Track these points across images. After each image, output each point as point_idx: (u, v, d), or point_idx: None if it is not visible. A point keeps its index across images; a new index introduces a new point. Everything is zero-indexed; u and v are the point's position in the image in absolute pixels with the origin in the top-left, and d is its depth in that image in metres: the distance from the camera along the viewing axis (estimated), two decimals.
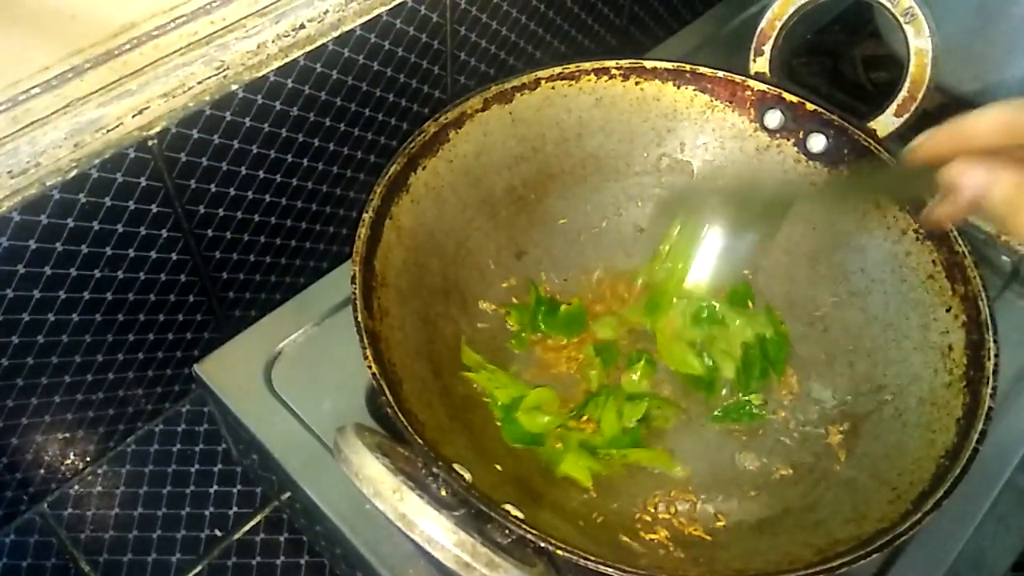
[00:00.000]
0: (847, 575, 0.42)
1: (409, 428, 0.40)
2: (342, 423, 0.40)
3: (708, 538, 0.47)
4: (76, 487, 0.63)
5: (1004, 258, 0.65)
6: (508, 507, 0.39)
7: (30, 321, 0.52)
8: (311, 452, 0.52)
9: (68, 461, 0.63)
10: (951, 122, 0.36)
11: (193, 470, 0.64)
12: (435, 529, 0.34)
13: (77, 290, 0.53)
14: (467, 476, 0.39)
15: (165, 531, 0.61)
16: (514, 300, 0.58)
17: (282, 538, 0.61)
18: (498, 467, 0.47)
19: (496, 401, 0.52)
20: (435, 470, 0.39)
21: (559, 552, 0.37)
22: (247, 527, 0.62)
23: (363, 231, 0.47)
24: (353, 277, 0.45)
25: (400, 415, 0.40)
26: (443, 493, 0.38)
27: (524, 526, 0.37)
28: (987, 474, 0.54)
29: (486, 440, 0.50)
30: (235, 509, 0.63)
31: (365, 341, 0.43)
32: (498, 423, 0.52)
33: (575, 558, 0.37)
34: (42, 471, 0.61)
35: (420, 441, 0.39)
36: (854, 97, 0.75)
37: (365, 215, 0.47)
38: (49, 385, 0.56)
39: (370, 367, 0.42)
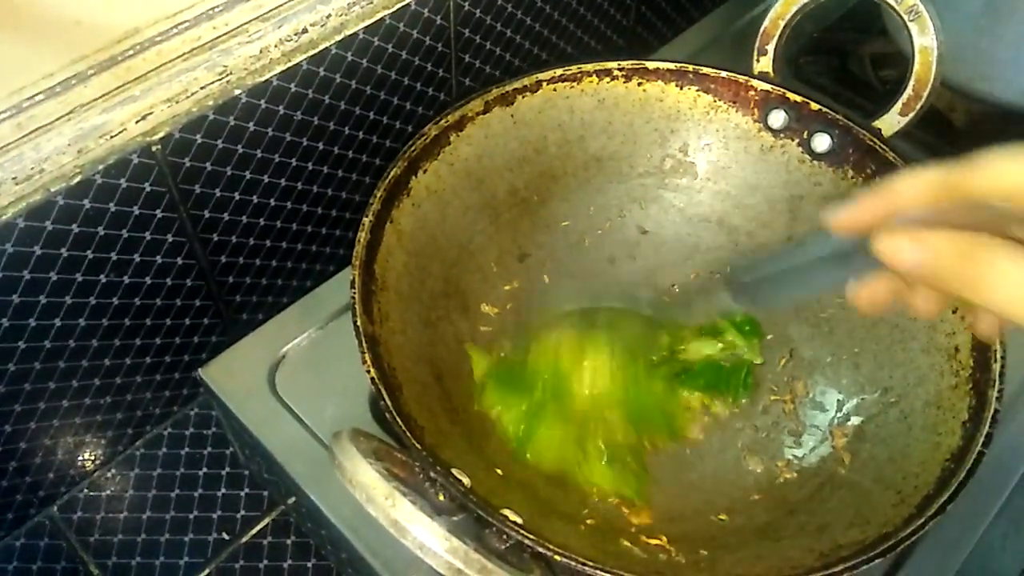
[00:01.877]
0: None
1: (407, 433, 0.40)
2: (345, 427, 0.40)
3: (710, 542, 0.47)
4: (85, 491, 0.64)
5: None
6: (506, 512, 0.39)
7: (36, 327, 0.52)
8: (314, 456, 0.53)
9: (77, 465, 0.63)
10: (878, 188, 0.32)
11: (201, 473, 0.65)
12: (427, 536, 0.34)
13: (83, 295, 0.53)
14: (465, 481, 0.39)
15: (173, 534, 0.62)
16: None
17: (289, 541, 0.62)
18: (499, 471, 0.47)
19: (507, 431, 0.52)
20: (433, 475, 0.39)
21: (557, 557, 0.37)
22: (254, 530, 0.62)
23: (363, 235, 0.47)
24: (353, 281, 0.45)
25: (399, 419, 0.40)
26: (441, 498, 0.38)
27: (521, 531, 0.37)
28: (996, 478, 0.53)
29: (487, 444, 0.50)
30: (243, 512, 0.63)
31: (364, 345, 0.43)
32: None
33: (573, 563, 0.37)
34: (51, 475, 0.62)
35: (418, 446, 0.39)
36: (862, 96, 0.75)
37: (365, 219, 0.47)
38: (57, 390, 0.57)
39: (369, 371, 0.42)
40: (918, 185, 0.30)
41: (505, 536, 0.38)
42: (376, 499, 0.34)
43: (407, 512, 0.34)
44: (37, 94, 0.48)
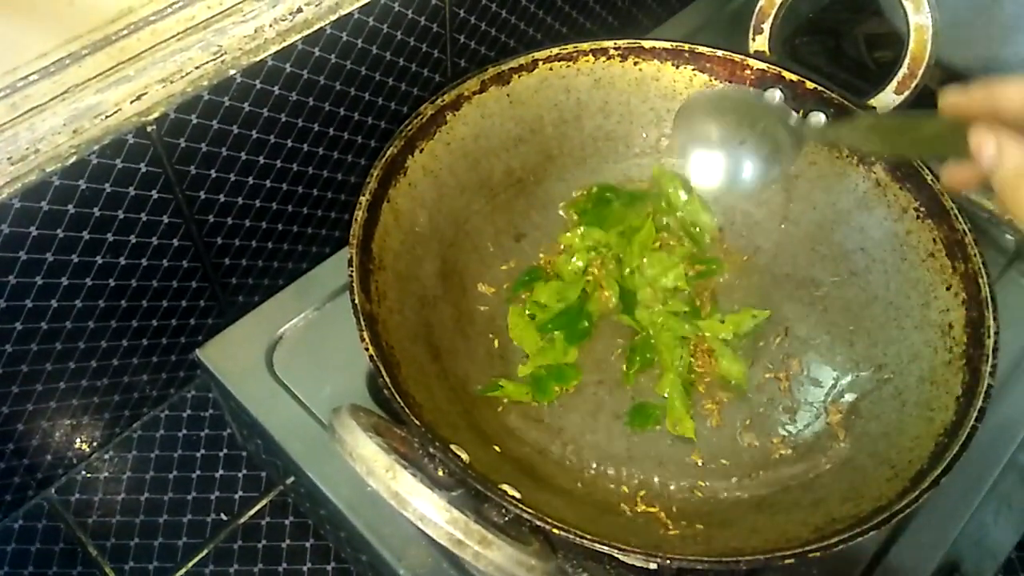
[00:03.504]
0: (847, 553, 0.42)
1: (406, 409, 0.40)
2: (344, 404, 0.40)
3: (706, 517, 0.47)
4: (83, 473, 0.64)
5: (1008, 237, 0.65)
6: (505, 487, 0.39)
7: (33, 308, 0.52)
8: (313, 436, 0.53)
9: (74, 447, 0.63)
10: (986, 83, 0.36)
11: (199, 455, 0.65)
12: (427, 507, 0.34)
13: (80, 276, 0.53)
14: (464, 456, 0.40)
15: (171, 515, 0.62)
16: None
17: (287, 521, 0.62)
18: (496, 448, 0.48)
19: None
20: (432, 450, 0.39)
21: (555, 531, 0.37)
22: (252, 511, 0.62)
23: (360, 214, 0.47)
24: (350, 260, 0.45)
25: (397, 396, 0.41)
26: (440, 473, 0.39)
27: (520, 505, 0.38)
28: (989, 454, 0.54)
29: (484, 422, 0.50)
30: (240, 493, 0.63)
31: (363, 323, 0.43)
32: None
33: (571, 537, 0.37)
34: (49, 457, 0.62)
35: (417, 422, 0.40)
36: (856, 76, 0.75)
37: (362, 198, 0.47)
38: (54, 371, 0.57)
39: (367, 349, 0.42)
40: (1017, 93, 0.34)
41: (504, 510, 0.38)
42: (377, 472, 0.34)
43: (408, 484, 0.34)
44: (31, 74, 0.47)
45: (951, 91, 0.37)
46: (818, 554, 0.39)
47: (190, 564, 0.60)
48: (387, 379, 0.41)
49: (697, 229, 0.59)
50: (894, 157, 0.53)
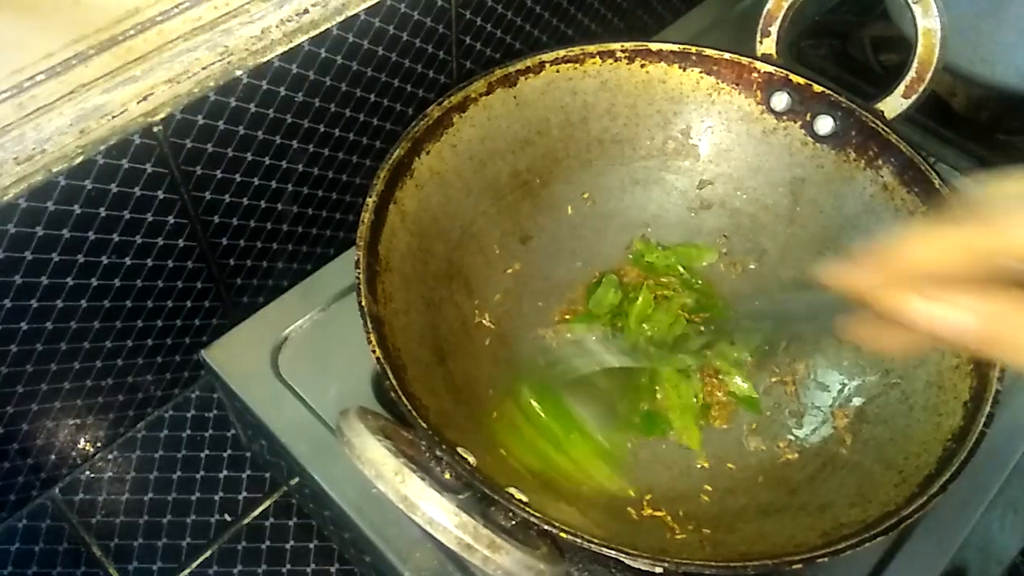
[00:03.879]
0: (853, 559, 0.42)
1: (413, 411, 0.40)
2: (352, 405, 0.40)
3: (713, 521, 0.47)
4: (87, 473, 0.64)
5: None
6: (512, 490, 0.39)
7: (38, 307, 0.52)
8: (318, 437, 0.53)
9: (79, 447, 0.63)
10: (879, 249, 0.30)
11: (203, 455, 0.65)
12: (436, 511, 0.34)
13: (85, 276, 0.53)
14: (471, 459, 0.39)
15: (175, 516, 0.62)
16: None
17: (291, 523, 0.62)
18: (502, 452, 0.47)
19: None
20: (439, 453, 0.39)
21: (563, 535, 0.37)
22: (257, 512, 0.62)
23: (367, 216, 0.47)
24: (357, 262, 0.45)
25: (404, 399, 0.40)
26: (447, 476, 0.39)
27: (528, 509, 0.37)
28: (994, 460, 0.54)
29: (490, 426, 0.50)
30: (245, 494, 0.63)
31: (369, 325, 0.43)
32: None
33: (579, 541, 0.37)
34: (53, 457, 0.62)
35: (424, 424, 0.39)
36: (863, 80, 0.75)
37: (369, 199, 0.47)
38: (59, 371, 0.57)
39: (374, 351, 0.42)
40: (931, 248, 0.28)
41: (511, 514, 0.38)
42: (385, 475, 0.34)
43: (417, 487, 0.34)
44: (38, 74, 0.47)
45: (829, 267, 0.31)
46: (826, 560, 0.39)
47: (194, 564, 0.60)
48: (394, 381, 0.41)
49: (690, 276, 0.60)
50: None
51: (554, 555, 0.37)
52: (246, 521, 0.62)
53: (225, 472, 0.64)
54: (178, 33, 0.51)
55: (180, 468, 0.64)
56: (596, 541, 0.37)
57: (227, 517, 0.62)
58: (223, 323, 0.65)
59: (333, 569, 0.60)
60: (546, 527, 0.37)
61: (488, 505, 0.38)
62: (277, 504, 0.63)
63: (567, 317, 0.58)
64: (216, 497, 0.63)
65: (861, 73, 0.77)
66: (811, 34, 0.81)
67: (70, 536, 0.61)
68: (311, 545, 0.61)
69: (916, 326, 0.28)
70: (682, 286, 0.59)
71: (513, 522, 0.38)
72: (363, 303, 0.43)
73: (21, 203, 0.47)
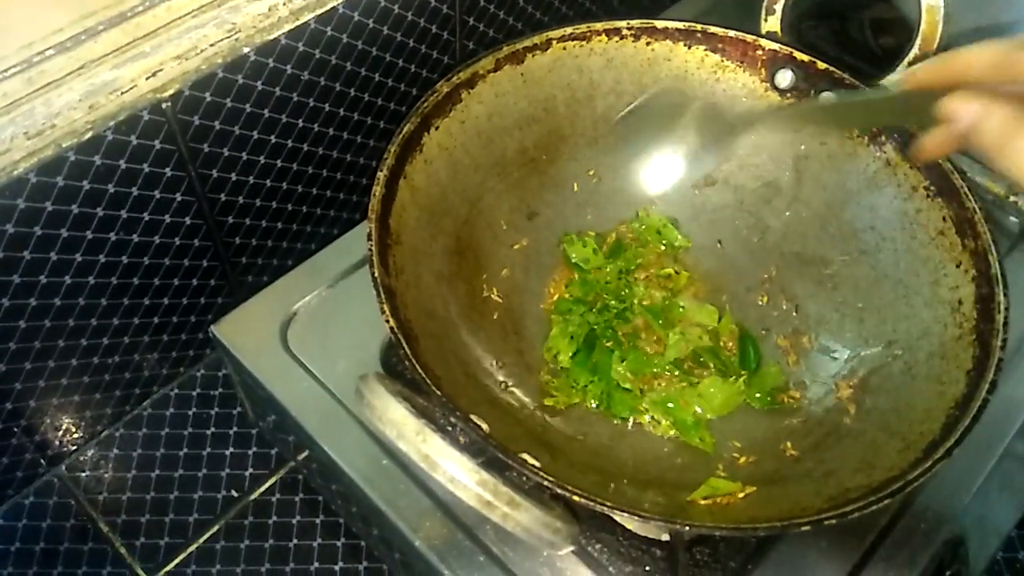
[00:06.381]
0: (855, 526, 0.42)
1: (427, 380, 0.40)
2: (368, 373, 0.41)
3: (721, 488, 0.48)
4: (93, 450, 0.64)
5: (1012, 219, 0.65)
6: (524, 455, 0.40)
7: (47, 284, 0.52)
8: (327, 410, 0.53)
9: (85, 424, 0.63)
10: (947, 54, 0.38)
11: (209, 433, 0.65)
12: (457, 469, 0.34)
13: (93, 253, 0.53)
14: (484, 426, 0.40)
15: (182, 492, 0.62)
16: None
17: (297, 498, 0.62)
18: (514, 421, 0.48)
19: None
20: (453, 420, 0.39)
21: (575, 498, 0.38)
22: (263, 488, 0.63)
23: (378, 189, 0.47)
24: (369, 234, 0.45)
25: (418, 368, 0.41)
26: (461, 442, 0.39)
27: (540, 472, 0.38)
28: (992, 431, 0.54)
29: (500, 397, 0.50)
30: (251, 470, 0.64)
31: (382, 295, 0.43)
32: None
33: (591, 504, 0.38)
34: (60, 434, 0.62)
35: (438, 392, 0.40)
36: (861, 61, 0.75)
37: (380, 173, 0.48)
38: (65, 348, 0.57)
39: (388, 321, 0.42)
40: (982, 58, 0.36)
41: (524, 479, 0.39)
42: (407, 435, 0.35)
43: (438, 446, 0.34)
44: (47, 49, 0.48)
45: (912, 68, 0.40)
46: (834, 522, 0.39)
47: (201, 540, 0.60)
48: (408, 351, 0.41)
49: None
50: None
51: (568, 516, 0.38)
52: (252, 497, 0.62)
53: (231, 449, 0.64)
54: (187, 9, 0.51)
55: (186, 445, 0.64)
56: (610, 503, 0.38)
57: (234, 493, 0.62)
58: (227, 302, 0.65)
59: (339, 543, 0.60)
60: (559, 490, 0.38)
61: (501, 471, 0.39)
62: (283, 480, 0.63)
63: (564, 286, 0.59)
64: (222, 473, 0.63)
65: (859, 54, 0.77)
66: (811, 15, 0.81)
67: (77, 512, 0.61)
68: (317, 520, 0.61)
69: (955, 116, 0.35)
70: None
71: (526, 487, 0.39)
72: (376, 274, 0.44)
73: (31, 178, 0.47)
